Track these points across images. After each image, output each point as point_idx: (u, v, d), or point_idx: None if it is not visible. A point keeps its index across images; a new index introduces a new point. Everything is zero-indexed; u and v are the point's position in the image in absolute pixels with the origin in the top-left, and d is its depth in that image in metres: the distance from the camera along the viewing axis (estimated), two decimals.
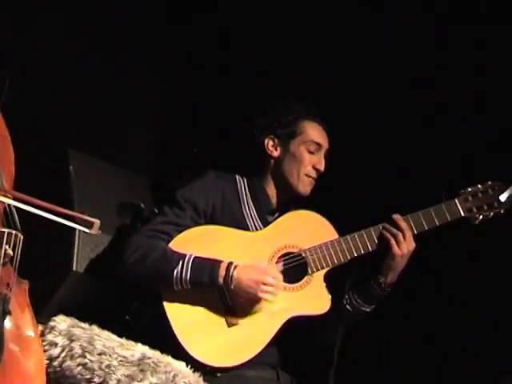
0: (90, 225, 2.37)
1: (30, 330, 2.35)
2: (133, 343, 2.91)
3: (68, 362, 2.79)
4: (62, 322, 2.90)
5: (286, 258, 3.31)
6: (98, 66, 4.64)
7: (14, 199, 2.39)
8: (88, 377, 2.78)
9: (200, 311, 3.17)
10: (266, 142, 3.50)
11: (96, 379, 2.77)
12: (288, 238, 3.33)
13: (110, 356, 2.81)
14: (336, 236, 3.35)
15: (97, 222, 2.37)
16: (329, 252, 3.30)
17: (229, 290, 3.15)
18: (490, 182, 3.42)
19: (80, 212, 3.33)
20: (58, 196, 3.36)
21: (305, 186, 3.46)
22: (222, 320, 3.18)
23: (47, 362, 2.72)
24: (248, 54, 4.86)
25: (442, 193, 3.38)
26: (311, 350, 3.47)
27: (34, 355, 2.31)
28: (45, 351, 2.72)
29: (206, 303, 3.18)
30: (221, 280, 3.11)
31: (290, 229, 3.36)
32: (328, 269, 3.31)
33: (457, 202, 3.37)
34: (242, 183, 3.49)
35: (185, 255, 3.15)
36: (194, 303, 3.17)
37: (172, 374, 2.83)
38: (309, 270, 3.30)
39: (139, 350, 2.88)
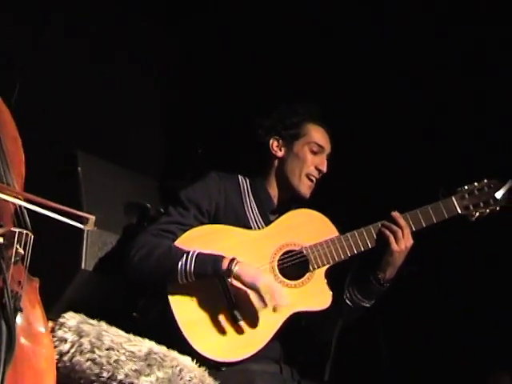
0: (85, 221, 2.36)
1: (41, 327, 2.35)
2: (140, 339, 2.92)
3: (77, 357, 2.80)
4: (71, 318, 2.90)
5: (287, 255, 3.32)
6: (103, 69, 4.65)
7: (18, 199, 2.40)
8: (97, 371, 2.79)
9: (205, 307, 3.18)
10: (270, 142, 3.52)
11: (104, 374, 2.77)
12: (290, 235, 3.34)
13: (118, 351, 2.82)
14: (336, 234, 3.36)
15: (92, 217, 2.36)
16: (329, 249, 3.31)
17: (231, 285, 3.17)
18: (485, 180, 3.43)
19: (87, 212, 3.39)
20: (67, 196, 3.37)
21: (305, 188, 3.48)
22: (226, 316, 3.18)
23: (57, 357, 2.72)
24: (250, 54, 4.86)
25: (440, 191, 3.38)
26: (313, 344, 3.47)
27: (45, 350, 2.31)
28: (55, 347, 2.72)
29: (210, 299, 3.18)
30: (224, 270, 3.11)
31: (292, 227, 3.37)
32: (329, 265, 3.32)
33: (454, 199, 3.38)
34: (244, 183, 3.51)
35: (189, 251, 3.16)
36: (198, 299, 3.18)
37: (178, 368, 2.84)
38: (310, 266, 3.31)
39: (146, 345, 2.88)
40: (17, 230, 2.27)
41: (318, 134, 3.53)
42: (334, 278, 3.37)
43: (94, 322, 2.93)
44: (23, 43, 4.12)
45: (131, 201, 3.65)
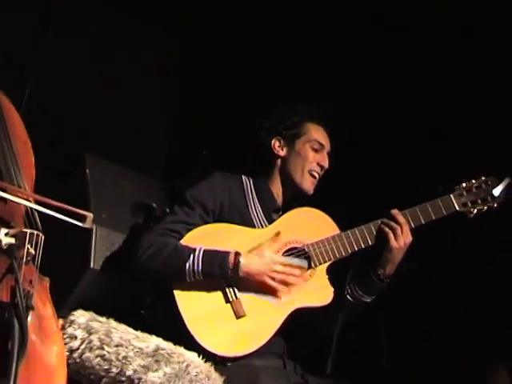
0: (83, 218, 2.37)
1: (52, 324, 2.35)
2: (147, 335, 2.93)
3: (87, 354, 2.81)
4: (81, 316, 2.91)
5: (290, 252, 3.32)
6: (108, 71, 4.64)
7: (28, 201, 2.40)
8: (106, 367, 2.79)
9: (210, 304, 3.18)
10: (272, 142, 3.54)
11: (114, 369, 2.78)
12: (292, 233, 3.35)
13: (126, 348, 2.82)
14: (338, 231, 3.37)
15: (90, 215, 2.37)
16: (331, 246, 3.32)
17: (237, 280, 3.17)
18: (483, 178, 3.43)
19: (96, 213, 3.40)
20: (76, 197, 3.39)
21: (308, 184, 3.50)
22: (231, 312, 3.19)
23: (68, 353, 2.73)
24: (252, 54, 4.85)
25: (438, 188, 3.39)
26: (315, 338, 3.48)
27: (56, 347, 2.31)
28: (65, 344, 2.73)
29: (215, 296, 3.19)
30: (230, 270, 3.13)
31: (294, 225, 3.38)
32: (330, 262, 3.33)
33: (452, 197, 3.38)
34: (247, 183, 3.52)
35: (195, 248, 3.17)
36: (204, 297, 3.18)
37: (185, 364, 2.84)
38: (312, 263, 3.32)
39: (154, 341, 2.89)
40: (28, 230, 2.27)
41: (318, 133, 3.55)
42: (335, 274, 3.38)
43: (103, 319, 2.93)
44: (29, 46, 4.12)
45: (137, 201, 3.65)
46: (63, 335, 2.76)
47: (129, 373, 2.77)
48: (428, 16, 4.48)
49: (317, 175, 3.52)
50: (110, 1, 4.68)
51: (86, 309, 2.96)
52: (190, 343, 3.05)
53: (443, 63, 4.47)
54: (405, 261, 3.40)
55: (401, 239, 3.32)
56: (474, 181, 3.42)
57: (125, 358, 2.80)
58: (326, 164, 3.53)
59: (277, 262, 3.19)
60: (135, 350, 2.83)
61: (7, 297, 2.18)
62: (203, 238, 3.26)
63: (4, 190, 2.33)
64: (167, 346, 2.90)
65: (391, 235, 3.32)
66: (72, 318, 2.90)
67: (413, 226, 3.35)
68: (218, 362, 3.03)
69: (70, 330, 2.85)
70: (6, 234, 2.25)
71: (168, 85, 5.10)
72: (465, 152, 4.32)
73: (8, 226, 2.31)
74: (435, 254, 4.30)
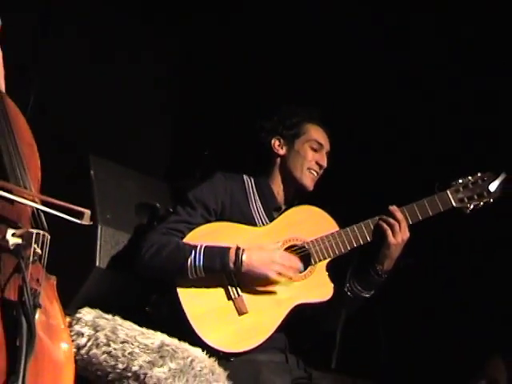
0: (81, 215, 2.36)
1: (59, 322, 2.35)
2: (153, 332, 2.93)
3: (94, 351, 2.81)
4: (87, 313, 2.91)
5: (290, 249, 3.33)
6: (111, 74, 4.66)
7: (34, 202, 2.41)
8: (112, 363, 2.80)
9: (212, 301, 3.19)
10: (272, 142, 3.55)
11: (120, 365, 2.78)
12: (292, 231, 3.36)
13: (132, 344, 2.83)
14: (337, 228, 3.38)
15: (87, 212, 2.35)
16: (330, 243, 3.32)
17: (239, 276, 3.18)
18: (479, 174, 3.43)
19: (101, 213, 3.41)
20: (81, 198, 3.38)
21: (307, 180, 3.51)
22: (233, 309, 3.20)
23: (75, 350, 2.73)
24: (254, 56, 4.85)
25: (436, 185, 3.39)
26: (317, 334, 3.48)
27: (63, 344, 2.31)
28: (72, 341, 2.73)
29: (217, 294, 3.20)
30: (231, 265, 3.14)
31: (294, 223, 3.39)
32: (330, 259, 3.34)
33: (448, 193, 3.38)
34: (249, 182, 3.53)
35: (196, 245, 3.18)
36: (206, 294, 3.19)
37: (189, 359, 2.84)
38: (312, 260, 3.32)
39: (159, 338, 2.89)
40: (34, 231, 2.27)
41: (317, 133, 3.56)
42: (335, 270, 3.39)
43: (109, 316, 2.93)
44: (30, 48, 4.14)
45: (141, 201, 3.66)
46: (70, 332, 2.76)
47: (135, 368, 2.77)
48: (428, 16, 4.48)
49: (315, 173, 3.52)
50: (109, 1, 4.68)
51: (93, 306, 2.97)
52: (194, 339, 3.06)
53: (442, 63, 4.48)
54: (402, 256, 3.40)
55: (398, 235, 3.32)
56: (470, 177, 3.42)
57: (131, 354, 2.80)
58: (324, 163, 3.53)
59: (277, 255, 3.19)
60: (141, 346, 2.83)
61: (15, 295, 2.19)
62: (205, 236, 3.27)
63: (10, 192, 2.34)
64: (172, 342, 2.90)
65: (389, 231, 3.32)
66: (79, 315, 2.90)
67: (410, 222, 3.35)
68: (221, 357, 3.04)
69: (77, 328, 2.85)
70: (13, 235, 2.25)
71: (170, 86, 5.11)
72: (462, 149, 4.32)
73: (15, 227, 2.31)
74: (432, 250, 4.31)
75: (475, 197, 3.40)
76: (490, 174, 3.43)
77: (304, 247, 3.33)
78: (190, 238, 3.26)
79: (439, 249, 4.42)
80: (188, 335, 3.06)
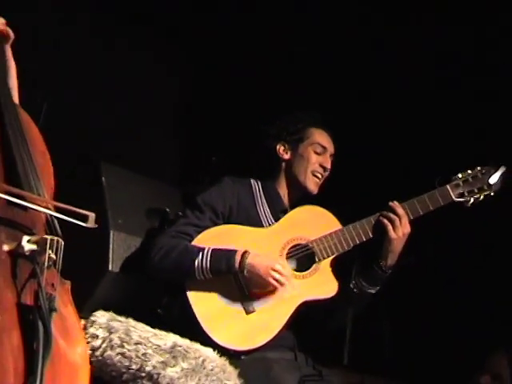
0: (85, 218, 2.37)
1: (74, 325, 2.36)
2: (165, 333, 2.92)
3: (108, 352, 2.80)
4: (101, 316, 2.91)
5: (295, 249, 3.33)
6: (124, 83, 4.66)
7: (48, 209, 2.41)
8: (126, 364, 2.79)
9: (221, 302, 3.21)
10: (277, 147, 3.56)
11: (134, 366, 2.78)
12: (296, 231, 3.36)
13: (145, 345, 2.82)
14: (339, 226, 3.37)
15: (92, 215, 2.36)
16: (334, 241, 3.32)
17: (244, 278, 3.19)
18: (479, 168, 3.40)
19: (113, 219, 3.42)
20: (93, 204, 3.39)
21: (311, 184, 3.51)
22: (241, 308, 3.21)
23: (90, 352, 2.73)
24: (263, 65, 4.87)
25: (436, 180, 3.37)
26: (325, 332, 3.48)
27: (79, 347, 2.32)
28: (88, 343, 2.73)
29: (225, 294, 3.21)
30: (237, 267, 3.15)
31: (298, 223, 3.40)
32: (334, 256, 3.34)
33: (448, 187, 3.36)
34: (256, 186, 3.54)
35: (203, 248, 3.20)
36: (215, 296, 3.21)
37: (201, 359, 2.84)
38: (316, 258, 3.32)
39: (171, 338, 2.89)
40: (48, 237, 2.28)
41: (320, 136, 3.56)
42: (340, 267, 3.39)
43: (123, 318, 2.93)
44: (46, 60, 4.15)
45: (152, 206, 3.66)
46: (85, 335, 2.76)
47: (148, 369, 2.77)
48: (428, 16, 4.47)
49: (320, 176, 3.53)
50: (123, 11, 4.68)
51: (106, 309, 2.96)
52: (205, 339, 3.06)
53: (439, 62, 4.47)
54: (406, 254, 3.40)
55: (399, 230, 3.31)
56: (470, 171, 3.40)
57: (144, 354, 2.80)
58: (328, 165, 3.53)
59: (278, 265, 3.19)
60: (153, 347, 2.83)
61: (31, 300, 2.19)
62: (213, 238, 3.28)
63: (24, 199, 2.34)
64: (184, 342, 2.90)
65: (390, 226, 3.32)
66: (93, 318, 2.90)
67: (411, 217, 3.34)
68: (232, 356, 3.04)
69: (91, 330, 2.85)
70: (29, 241, 2.26)
71: (179, 95, 5.12)
72: (461, 144, 4.32)
73: (30, 233, 2.32)
74: (436, 247, 4.31)
75: (475, 190, 3.37)
76: (489, 168, 3.40)
77: (308, 246, 3.33)
78: (199, 241, 3.27)
79: (443, 246, 4.42)
80: (199, 335, 3.06)
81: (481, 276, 4.41)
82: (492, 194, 3.39)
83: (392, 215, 3.33)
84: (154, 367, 2.78)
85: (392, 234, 3.31)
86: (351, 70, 4.69)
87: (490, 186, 3.37)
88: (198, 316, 3.16)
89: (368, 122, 4.64)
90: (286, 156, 3.56)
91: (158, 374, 2.77)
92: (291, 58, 4.81)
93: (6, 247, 2.27)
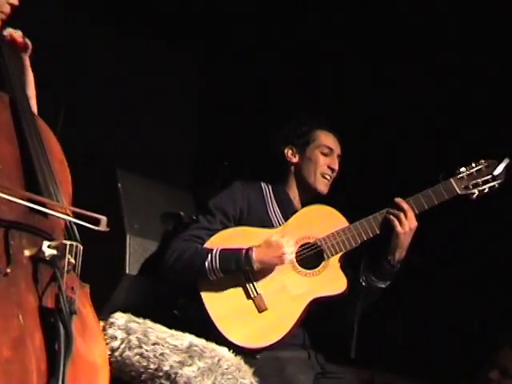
0: (97, 222, 2.37)
1: (94, 327, 2.37)
2: (181, 333, 2.94)
3: (127, 353, 2.82)
4: (119, 318, 2.92)
5: (304, 247, 3.34)
6: (139, 93, 4.68)
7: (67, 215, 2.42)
8: (145, 364, 2.80)
9: (234, 302, 3.21)
10: (285, 151, 3.56)
11: (152, 366, 2.79)
12: (304, 230, 3.36)
13: (162, 345, 2.83)
14: (346, 224, 3.37)
15: (104, 218, 2.35)
16: (341, 238, 3.32)
17: (254, 274, 3.19)
18: (483, 160, 3.38)
19: (129, 224, 3.43)
20: (110, 209, 3.40)
21: (321, 185, 3.51)
22: (253, 307, 3.21)
23: (109, 353, 2.74)
24: (275, 73, 4.88)
25: (440, 175, 3.36)
26: (336, 329, 3.47)
27: (99, 347, 2.32)
28: (107, 344, 2.75)
29: (238, 295, 3.22)
30: (245, 264, 3.17)
31: (306, 222, 3.40)
32: (342, 253, 3.33)
33: (452, 181, 3.34)
34: (267, 189, 3.54)
35: (212, 249, 3.21)
36: (227, 296, 3.21)
37: (217, 358, 2.85)
38: (325, 256, 3.32)
39: (187, 339, 2.90)
40: (68, 242, 2.29)
41: (326, 138, 3.56)
42: (349, 264, 3.39)
43: (140, 320, 2.94)
44: (61, 65, 4.17)
45: (166, 211, 3.67)
46: (104, 336, 2.78)
47: (166, 368, 2.79)
48: (428, 16, 4.47)
49: (329, 177, 3.53)
50: (135, 23, 4.69)
51: (124, 311, 2.98)
52: (220, 339, 3.07)
53: (438, 61, 4.47)
54: (415, 253, 3.39)
55: (405, 225, 3.31)
56: (473, 164, 3.38)
57: (161, 354, 2.81)
58: (335, 166, 3.53)
59: (282, 244, 3.20)
60: (170, 347, 2.84)
61: (52, 303, 2.20)
62: (223, 240, 3.29)
63: (44, 205, 2.35)
64: (200, 342, 2.91)
65: (396, 222, 3.31)
66: (112, 320, 2.91)
67: (417, 211, 3.33)
68: (247, 354, 3.05)
69: (110, 332, 2.86)
70: (49, 246, 2.27)
71: (192, 104, 5.14)
72: (463, 138, 4.31)
73: (50, 239, 2.33)
74: (445, 240, 4.30)
75: (480, 183, 3.35)
76: (493, 160, 3.37)
77: (317, 244, 3.33)
78: (210, 243, 3.28)
79: (452, 239, 4.41)
80: (214, 335, 3.08)
81: (489, 272, 4.40)
82: (497, 185, 3.36)
83: (397, 211, 3.32)
84: (172, 367, 2.79)
85: (399, 228, 3.30)
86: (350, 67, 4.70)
87: (494, 177, 3.35)
88: (212, 317, 3.17)
89: (369, 120, 4.64)
90: (295, 159, 3.56)
91: (176, 373, 2.78)
92: (303, 64, 4.81)
93: (27, 252, 2.28)
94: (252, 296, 3.22)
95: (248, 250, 3.18)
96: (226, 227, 3.35)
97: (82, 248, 2.34)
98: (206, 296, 3.20)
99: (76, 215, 2.40)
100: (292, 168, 3.57)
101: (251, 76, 4.92)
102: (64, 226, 2.45)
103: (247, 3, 4.83)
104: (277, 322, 3.22)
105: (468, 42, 4.40)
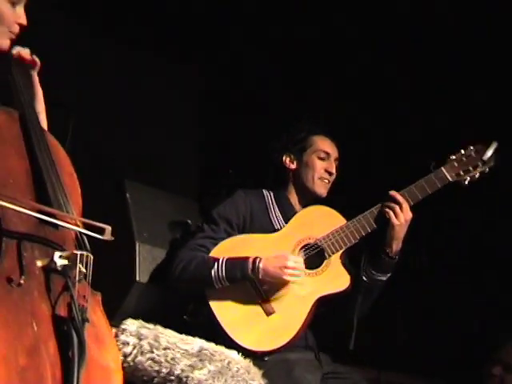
0: (102, 231, 2.38)
1: (106, 333, 2.36)
2: (191, 338, 2.94)
3: (139, 358, 2.82)
4: (131, 324, 2.92)
5: (305, 248, 3.34)
6: (145, 105, 4.69)
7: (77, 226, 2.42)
8: (157, 369, 2.81)
9: (242, 307, 3.21)
10: (283, 158, 3.57)
11: (164, 370, 2.80)
12: (304, 232, 3.36)
13: (173, 350, 2.84)
14: (344, 221, 3.37)
15: (108, 228, 2.36)
16: (340, 236, 3.31)
17: (260, 282, 3.19)
18: (471, 147, 3.36)
19: (138, 232, 3.43)
20: (119, 219, 3.43)
21: (320, 188, 3.51)
22: (261, 311, 3.21)
23: (122, 358, 2.75)
24: (277, 83, 4.88)
25: (431, 164, 3.35)
26: (340, 326, 3.46)
27: (111, 353, 2.32)
28: (119, 349, 2.76)
29: (245, 299, 3.22)
30: (250, 273, 3.16)
31: (304, 224, 3.40)
32: (342, 250, 3.33)
33: (443, 170, 3.33)
34: (269, 196, 3.55)
35: (219, 258, 3.21)
36: (235, 302, 3.22)
37: (226, 361, 2.85)
38: (326, 254, 3.32)
39: (197, 343, 2.91)
40: (78, 252, 2.29)
41: (322, 143, 3.56)
42: (350, 261, 3.39)
43: (151, 326, 2.95)
44: (68, 81, 4.18)
45: (174, 219, 3.67)
46: (117, 342, 2.78)
47: (177, 372, 2.79)
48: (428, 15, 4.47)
49: (327, 180, 3.53)
50: (140, 36, 4.70)
51: (135, 317, 2.98)
52: (229, 343, 3.08)
53: (433, 54, 4.48)
54: (416, 255, 3.39)
55: (401, 216, 3.30)
56: (463, 151, 3.36)
57: (173, 359, 2.81)
58: (332, 170, 3.53)
59: (289, 259, 3.19)
60: (181, 351, 2.84)
61: (65, 312, 2.21)
62: (228, 249, 3.30)
63: (55, 217, 2.36)
64: (210, 346, 2.92)
65: (391, 214, 3.31)
66: (123, 326, 2.91)
67: (412, 203, 3.33)
68: (256, 357, 3.04)
69: (122, 338, 2.87)
70: (60, 257, 2.27)
71: (197, 114, 5.15)
72: (450, 126, 4.30)
73: (61, 249, 2.34)
74: (448, 237, 4.29)
75: (471, 168, 3.33)
76: (481, 145, 3.36)
77: (317, 244, 3.33)
78: (215, 253, 3.28)
79: (455, 236, 4.40)
80: (224, 339, 3.08)
81: (492, 268, 4.39)
82: (487, 170, 3.35)
83: (392, 203, 3.32)
84: (183, 370, 2.79)
85: (394, 220, 3.30)
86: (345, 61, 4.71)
87: (484, 162, 3.33)
88: (222, 323, 3.17)
89: (369, 120, 4.65)
90: (293, 166, 3.56)
91: (187, 376, 2.78)
92: (304, 74, 4.82)
93: (39, 263, 2.28)
94: (259, 300, 3.22)
95: (255, 259, 3.17)
96: (230, 235, 3.36)
97: (92, 257, 2.34)
98: (214, 303, 3.20)
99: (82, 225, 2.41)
100: (291, 174, 3.57)
101: (256, 86, 4.92)
102: (75, 236, 2.45)
103: (247, 3, 4.81)
104: (285, 324, 3.22)
105: (468, 42, 4.39)
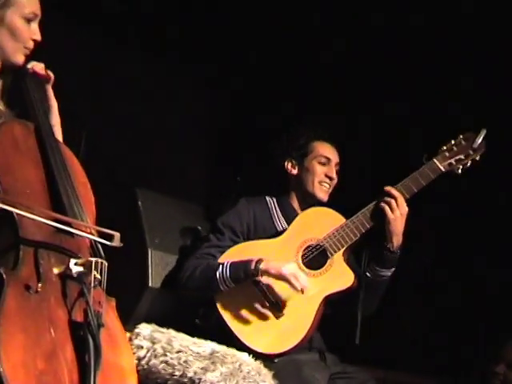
0: (111, 238, 2.39)
1: (121, 337, 2.37)
2: (203, 341, 2.94)
3: (153, 361, 2.82)
4: (144, 328, 2.93)
5: (308, 250, 3.33)
6: (156, 113, 4.70)
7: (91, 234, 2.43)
8: (170, 371, 2.81)
9: (251, 312, 3.21)
10: (285, 164, 3.56)
11: (177, 373, 2.80)
12: (305, 234, 3.35)
13: (186, 353, 2.84)
14: (344, 220, 3.37)
15: (117, 234, 2.37)
16: (341, 234, 3.31)
17: (264, 285, 3.18)
18: (461, 136, 3.36)
19: (150, 239, 3.44)
20: (132, 227, 3.44)
21: (320, 193, 3.50)
22: (270, 314, 3.21)
23: (136, 361, 2.75)
24: (284, 92, 4.88)
25: (423, 156, 3.34)
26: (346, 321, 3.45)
27: (126, 357, 2.33)
28: (134, 353, 2.76)
29: (253, 304, 3.21)
30: (253, 272, 3.16)
31: (305, 226, 3.39)
32: (344, 248, 3.32)
33: (435, 161, 3.32)
34: (272, 202, 3.55)
35: (223, 262, 3.22)
36: (243, 306, 3.21)
37: (238, 363, 2.85)
38: (328, 254, 3.30)
39: (209, 346, 2.90)
40: (93, 259, 2.31)
41: (323, 148, 3.55)
42: (353, 258, 3.39)
43: (164, 329, 2.95)
44: (81, 91, 4.19)
45: (185, 226, 3.68)
46: (131, 346, 2.78)
47: (190, 374, 2.79)
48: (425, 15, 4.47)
49: (327, 185, 3.52)
50: (151, 46, 4.71)
51: (149, 322, 2.99)
52: (240, 345, 3.08)
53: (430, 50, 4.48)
54: (421, 256, 3.38)
55: (396, 210, 3.29)
56: (453, 141, 3.36)
57: (185, 362, 2.81)
58: (333, 175, 3.52)
59: (292, 272, 3.18)
60: (194, 354, 2.84)
61: (81, 317, 2.22)
62: (233, 256, 3.29)
63: (70, 225, 2.37)
64: (221, 348, 2.92)
65: (387, 208, 3.30)
66: (137, 330, 2.92)
67: (407, 196, 3.32)
68: (266, 359, 3.04)
69: (136, 342, 2.87)
70: (76, 264, 2.29)
71: (207, 124, 5.16)
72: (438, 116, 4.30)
73: (76, 257, 2.35)
74: (451, 236, 4.28)
75: (462, 157, 3.33)
76: (470, 134, 3.36)
77: (319, 245, 3.33)
78: (222, 259, 3.28)
79: (458, 235, 4.40)
80: (234, 342, 3.08)
81: (495, 266, 4.38)
82: (478, 158, 3.35)
83: (388, 198, 3.31)
84: (196, 373, 2.79)
85: (390, 215, 3.29)
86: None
87: (474, 150, 3.33)
88: (232, 328, 3.17)
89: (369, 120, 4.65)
90: (294, 171, 3.56)
91: (200, 379, 2.78)
92: (311, 83, 4.83)
93: (55, 270, 2.30)
94: (268, 304, 3.21)
95: (258, 260, 3.17)
96: (235, 243, 3.36)
97: (106, 264, 2.35)
98: (222, 308, 3.21)
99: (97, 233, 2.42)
100: (293, 179, 3.57)
101: (264, 94, 4.92)
102: (89, 243, 2.46)
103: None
104: (294, 326, 3.21)
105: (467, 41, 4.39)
